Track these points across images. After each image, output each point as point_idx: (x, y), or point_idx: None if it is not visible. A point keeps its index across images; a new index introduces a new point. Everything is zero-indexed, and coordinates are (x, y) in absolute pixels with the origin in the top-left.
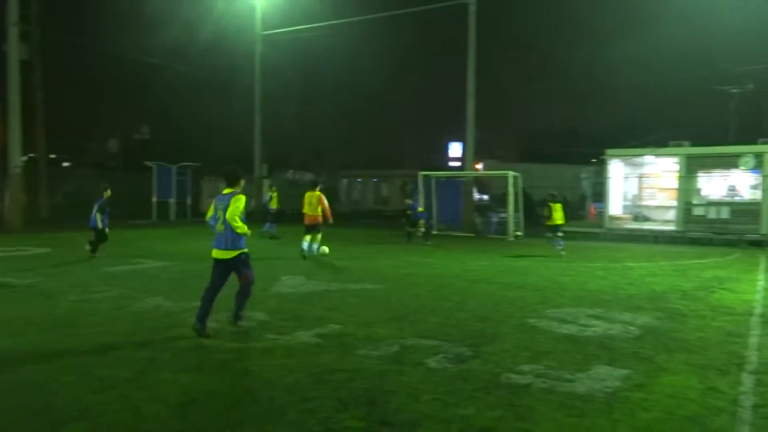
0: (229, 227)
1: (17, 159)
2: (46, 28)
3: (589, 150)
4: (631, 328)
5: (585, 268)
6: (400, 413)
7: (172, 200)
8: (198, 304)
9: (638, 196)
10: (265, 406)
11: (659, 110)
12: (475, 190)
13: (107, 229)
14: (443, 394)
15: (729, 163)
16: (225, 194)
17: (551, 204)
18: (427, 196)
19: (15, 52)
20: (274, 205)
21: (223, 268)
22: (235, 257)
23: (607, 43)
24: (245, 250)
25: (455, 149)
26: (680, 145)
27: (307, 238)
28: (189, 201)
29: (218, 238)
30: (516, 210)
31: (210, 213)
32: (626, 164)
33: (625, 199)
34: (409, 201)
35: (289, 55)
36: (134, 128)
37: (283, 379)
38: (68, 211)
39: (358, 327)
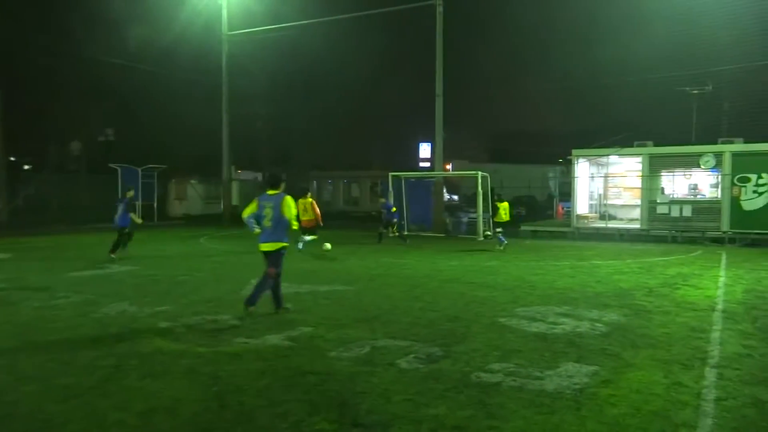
0: (279, 223)
1: None
2: (3, 26)
3: (557, 150)
4: (599, 325)
5: (553, 266)
6: (371, 414)
7: (138, 202)
8: (164, 308)
9: (604, 195)
10: (235, 411)
11: (627, 111)
12: (444, 190)
13: (127, 229)
14: (414, 394)
15: (691, 162)
16: (271, 195)
17: (498, 203)
18: (398, 197)
19: None
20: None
21: (270, 258)
22: (279, 248)
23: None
24: (287, 243)
25: (425, 150)
26: (644, 145)
27: (306, 237)
28: (155, 203)
29: (266, 232)
30: (485, 210)
31: (249, 211)
32: (592, 164)
33: (592, 199)
34: (382, 200)
35: (256, 55)
36: (98, 130)
37: (253, 384)
38: (29, 216)
39: (329, 329)
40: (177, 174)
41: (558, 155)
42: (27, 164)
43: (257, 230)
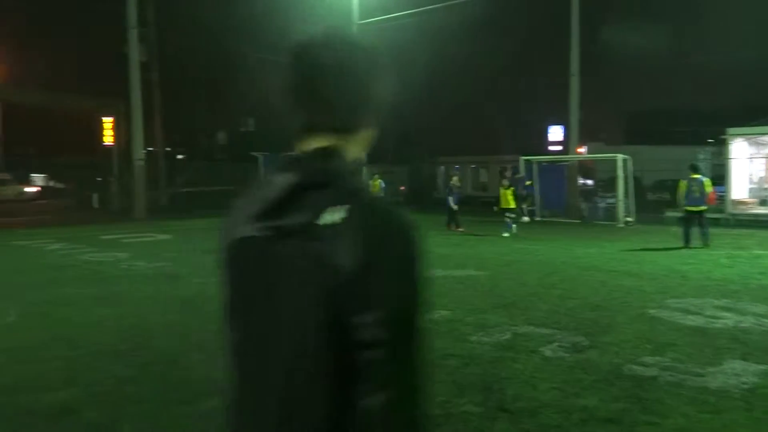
0: (704, 193)
1: (140, 152)
2: (160, 29)
3: (706, 129)
4: (767, 321)
5: (708, 255)
6: (518, 401)
7: None
8: None
9: (766, 179)
10: None
11: None
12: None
13: (455, 207)
14: (561, 383)
15: None
16: (694, 178)
17: (503, 190)
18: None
19: (135, 53)
20: None
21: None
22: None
23: (726, 12)
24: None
25: (555, 133)
26: None
27: None
28: None
29: (696, 200)
30: (626, 195)
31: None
32: (751, 144)
33: (751, 182)
34: (519, 176)
35: (384, 42)
36: (240, 121)
37: None
38: (183, 201)
39: (467, 313)
40: None
41: (707, 135)
42: (180, 154)
43: None
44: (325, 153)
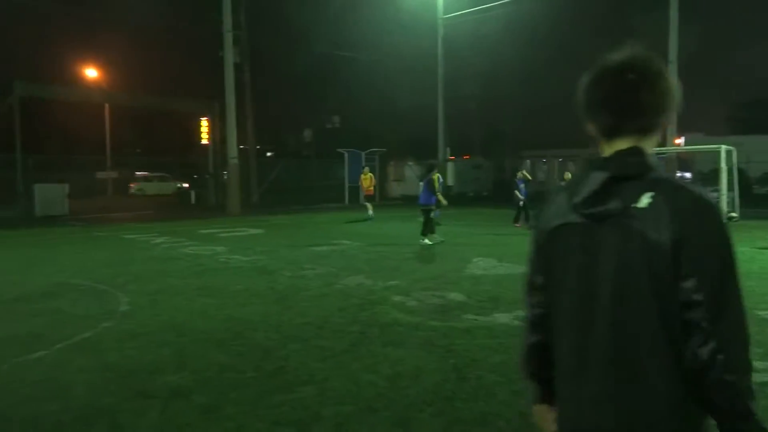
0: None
1: (234, 151)
2: (251, 31)
3: None
4: None
5: None
6: None
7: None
8: (395, 282)
9: None
10: (474, 384)
11: None
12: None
13: (522, 202)
14: None
15: None
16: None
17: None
18: None
19: (229, 56)
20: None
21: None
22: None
23: None
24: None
25: None
26: None
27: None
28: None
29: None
30: (729, 188)
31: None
32: None
33: None
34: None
35: (471, 36)
36: (326, 118)
37: (488, 359)
38: (273, 197)
39: None
40: (394, 156)
41: None
42: (269, 152)
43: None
44: (632, 151)
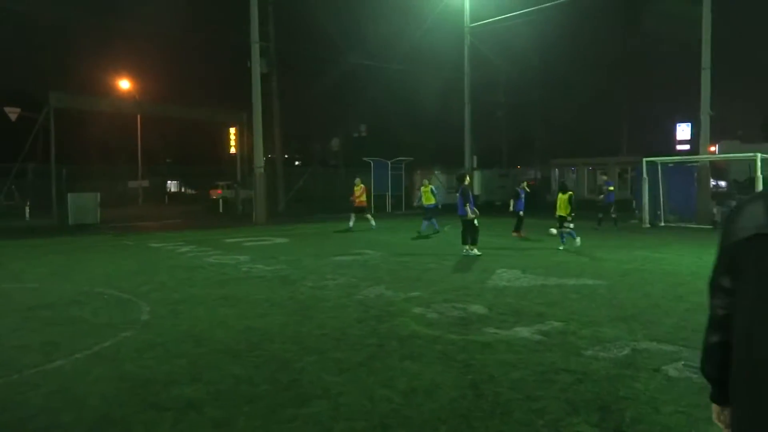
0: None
1: (260, 160)
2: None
3: None
4: None
5: None
6: (638, 424)
7: (388, 193)
8: (416, 293)
9: None
10: (490, 401)
11: None
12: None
13: (521, 213)
14: (687, 406)
15: None
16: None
17: (560, 194)
18: (653, 185)
19: (257, 66)
20: (427, 201)
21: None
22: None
23: None
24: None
25: (683, 131)
26: None
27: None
28: (404, 194)
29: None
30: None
31: None
32: None
33: None
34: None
35: (497, 44)
36: (352, 127)
37: (507, 375)
38: (300, 206)
39: (581, 325)
40: (421, 165)
41: None
42: (297, 160)
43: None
44: None
